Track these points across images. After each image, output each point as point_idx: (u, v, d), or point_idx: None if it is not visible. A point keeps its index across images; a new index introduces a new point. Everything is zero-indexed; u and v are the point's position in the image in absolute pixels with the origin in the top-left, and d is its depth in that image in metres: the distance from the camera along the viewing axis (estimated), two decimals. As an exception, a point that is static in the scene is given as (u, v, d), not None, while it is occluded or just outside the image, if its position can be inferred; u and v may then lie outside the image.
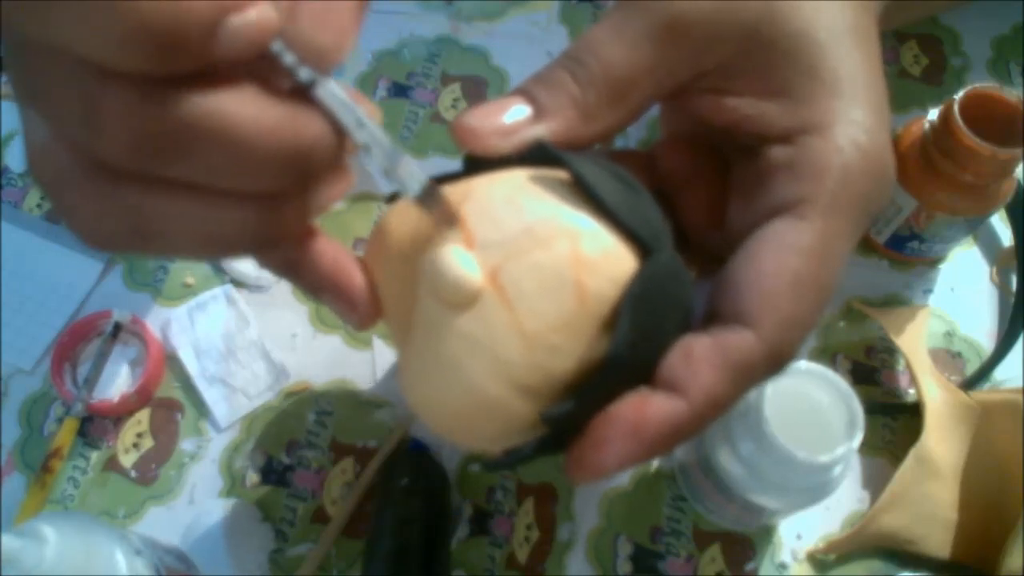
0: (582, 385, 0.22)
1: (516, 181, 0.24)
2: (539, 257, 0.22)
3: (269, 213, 0.20)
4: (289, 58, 0.18)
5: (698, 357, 0.22)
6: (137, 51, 0.16)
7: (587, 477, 0.22)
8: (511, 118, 0.24)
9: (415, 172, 0.22)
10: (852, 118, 0.24)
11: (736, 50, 0.25)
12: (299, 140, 0.19)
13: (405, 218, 0.25)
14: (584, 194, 0.23)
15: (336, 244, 0.25)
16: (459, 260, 0.22)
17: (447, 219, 0.23)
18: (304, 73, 0.19)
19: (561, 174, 0.24)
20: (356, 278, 0.25)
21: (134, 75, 0.17)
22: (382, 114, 0.22)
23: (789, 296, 0.23)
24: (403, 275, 0.25)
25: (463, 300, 0.22)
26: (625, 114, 0.25)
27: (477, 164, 0.25)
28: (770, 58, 0.25)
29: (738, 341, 0.22)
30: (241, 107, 0.18)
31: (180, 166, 0.18)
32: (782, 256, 0.23)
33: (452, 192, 0.24)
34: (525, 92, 0.25)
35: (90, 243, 0.20)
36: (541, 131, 0.24)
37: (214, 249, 0.20)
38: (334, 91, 0.19)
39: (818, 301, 0.23)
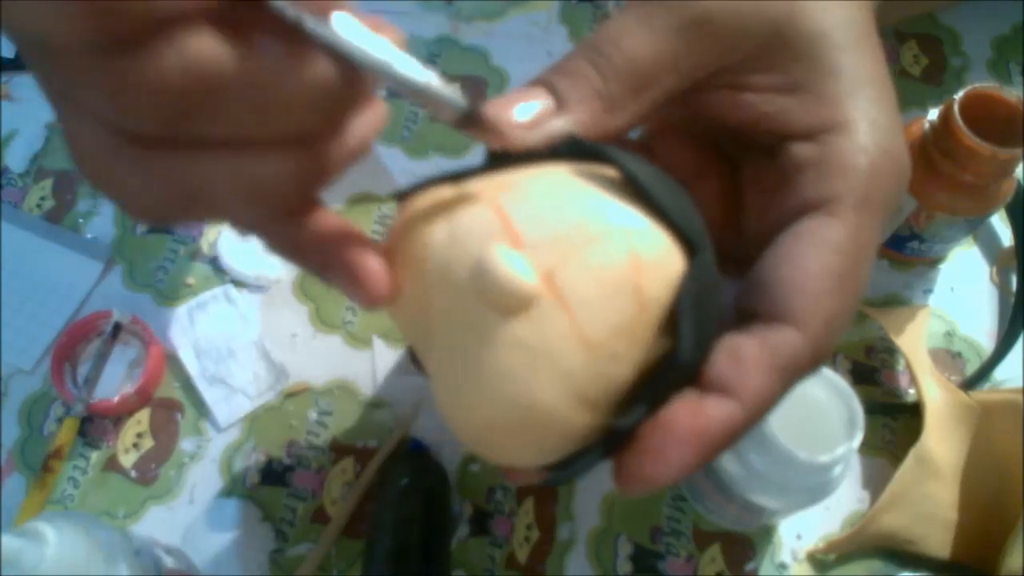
0: (642, 391, 0.21)
1: (556, 176, 0.23)
2: (596, 259, 0.21)
3: (306, 155, 0.20)
4: (288, 9, 0.17)
5: (747, 358, 0.22)
6: (75, 20, 0.16)
7: (642, 489, 0.22)
8: (533, 109, 0.24)
9: (448, 91, 0.20)
10: (873, 118, 0.24)
11: (758, 47, 0.25)
12: (312, 81, 0.18)
13: (430, 213, 0.23)
14: (627, 189, 0.22)
15: (343, 220, 0.24)
16: (510, 261, 0.20)
17: (490, 132, 0.21)
18: (309, 22, 0.18)
19: (598, 168, 0.23)
20: (366, 252, 0.23)
21: (126, 41, 0.17)
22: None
23: (832, 294, 0.23)
24: (428, 275, 0.23)
25: (516, 305, 0.20)
26: (648, 106, 0.25)
27: (499, 159, 0.24)
28: (791, 56, 0.25)
29: (785, 341, 0.22)
30: (240, 55, 0.17)
31: (202, 124, 0.18)
32: (822, 254, 0.23)
33: (485, 187, 0.23)
34: (546, 83, 0.24)
35: (141, 217, 0.20)
36: (565, 123, 0.24)
37: (260, 201, 0.20)
38: (337, 33, 0.18)
39: (856, 298, 0.23)
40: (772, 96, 0.25)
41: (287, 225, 0.23)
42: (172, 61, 0.17)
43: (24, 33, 0.17)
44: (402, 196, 0.25)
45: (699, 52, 0.25)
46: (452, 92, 0.20)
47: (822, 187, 0.24)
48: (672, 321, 0.21)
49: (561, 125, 0.24)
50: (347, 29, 0.18)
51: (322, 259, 0.23)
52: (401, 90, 0.20)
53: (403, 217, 0.24)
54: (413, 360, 0.26)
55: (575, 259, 0.21)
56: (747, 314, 0.23)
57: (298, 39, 0.18)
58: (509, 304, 0.21)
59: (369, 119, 0.21)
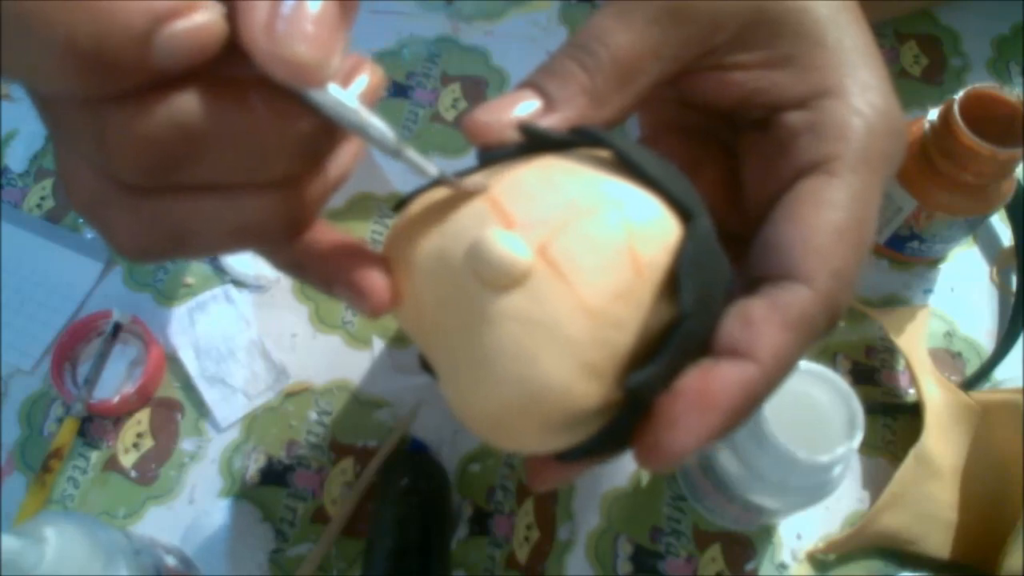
0: (652, 354, 0.21)
1: (544, 162, 0.23)
2: (588, 228, 0.21)
3: (289, 194, 0.21)
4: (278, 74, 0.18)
5: (758, 319, 0.22)
6: (71, 73, 0.16)
7: (665, 462, 0.21)
8: (523, 112, 0.24)
9: (423, 161, 0.22)
10: (863, 81, 0.25)
11: (740, 27, 0.25)
12: (297, 134, 0.19)
13: (425, 213, 0.24)
14: (615, 166, 0.23)
15: (341, 234, 0.25)
16: (502, 239, 0.21)
17: (475, 188, 0.22)
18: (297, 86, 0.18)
19: (587, 152, 0.24)
20: (366, 264, 0.24)
21: (119, 95, 0.17)
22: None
23: (837, 247, 0.23)
24: (426, 272, 0.23)
25: (511, 279, 0.21)
26: (634, 98, 0.25)
27: (492, 160, 0.24)
28: (775, 31, 0.25)
29: (794, 297, 0.22)
30: (230, 111, 0.18)
31: (189, 173, 0.18)
32: (823, 211, 0.23)
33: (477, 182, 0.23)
34: (534, 84, 0.25)
35: (131, 257, 0.21)
36: (554, 122, 0.24)
37: (247, 240, 0.21)
38: (327, 98, 0.19)
39: (860, 253, 0.24)
40: (761, 72, 0.26)
41: (285, 248, 0.24)
42: (161, 116, 0.17)
43: (15, 79, 0.17)
44: (400, 205, 0.25)
45: (680, 39, 0.25)
46: (425, 162, 0.22)
47: (818, 149, 0.24)
48: (675, 287, 0.22)
49: (550, 124, 0.24)
50: (333, 92, 0.19)
51: (324, 274, 0.24)
52: (377, 148, 0.21)
53: (399, 221, 0.25)
54: (424, 365, 0.26)
55: (567, 231, 0.21)
56: (754, 281, 0.23)
57: (284, 96, 0.19)
58: (505, 279, 0.21)
59: (347, 153, 0.22)
